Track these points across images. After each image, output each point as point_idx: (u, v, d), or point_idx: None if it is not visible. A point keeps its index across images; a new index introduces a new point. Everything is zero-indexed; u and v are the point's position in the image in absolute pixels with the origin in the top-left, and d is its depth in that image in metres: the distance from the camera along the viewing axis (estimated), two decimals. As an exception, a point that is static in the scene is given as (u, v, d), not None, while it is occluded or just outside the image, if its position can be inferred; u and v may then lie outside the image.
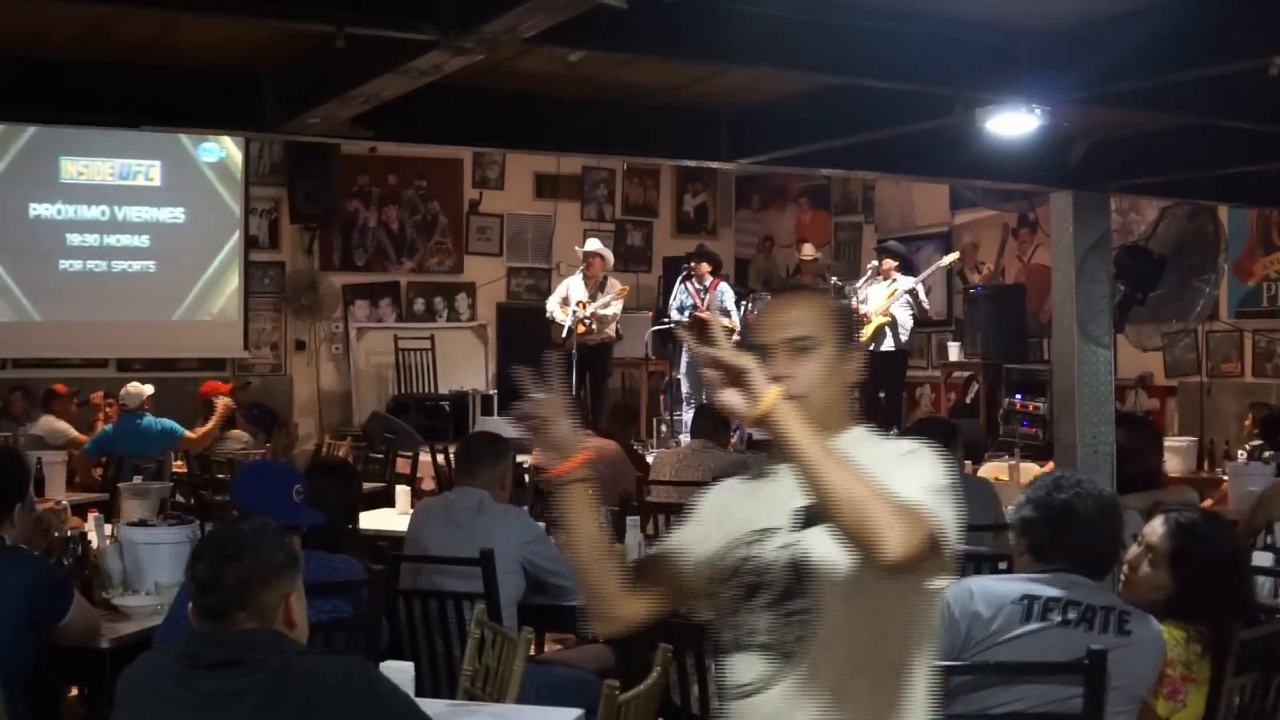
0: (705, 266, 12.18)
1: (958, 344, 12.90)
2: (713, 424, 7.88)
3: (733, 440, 9.62)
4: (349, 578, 4.17)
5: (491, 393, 13.58)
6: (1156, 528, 3.40)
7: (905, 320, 11.69)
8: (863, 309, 11.70)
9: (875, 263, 12.05)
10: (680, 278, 12.28)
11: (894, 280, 11.73)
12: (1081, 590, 3.13)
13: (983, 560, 4.92)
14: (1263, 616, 3.63)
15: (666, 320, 12.26)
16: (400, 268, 14.50)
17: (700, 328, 11.39)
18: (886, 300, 11.61)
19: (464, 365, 14.31)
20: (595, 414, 10.23)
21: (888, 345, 11.65)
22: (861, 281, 11.99)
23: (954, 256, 12.48)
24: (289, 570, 2.73)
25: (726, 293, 12.21)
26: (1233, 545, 3.50)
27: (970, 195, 13.13)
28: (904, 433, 7.49)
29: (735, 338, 11.11)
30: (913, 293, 11.61)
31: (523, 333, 13.44)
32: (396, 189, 14.42)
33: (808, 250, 13.72)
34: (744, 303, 12.63)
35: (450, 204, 14.68)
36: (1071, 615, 3.08)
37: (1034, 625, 3.08)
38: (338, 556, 4.25)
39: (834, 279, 13.09)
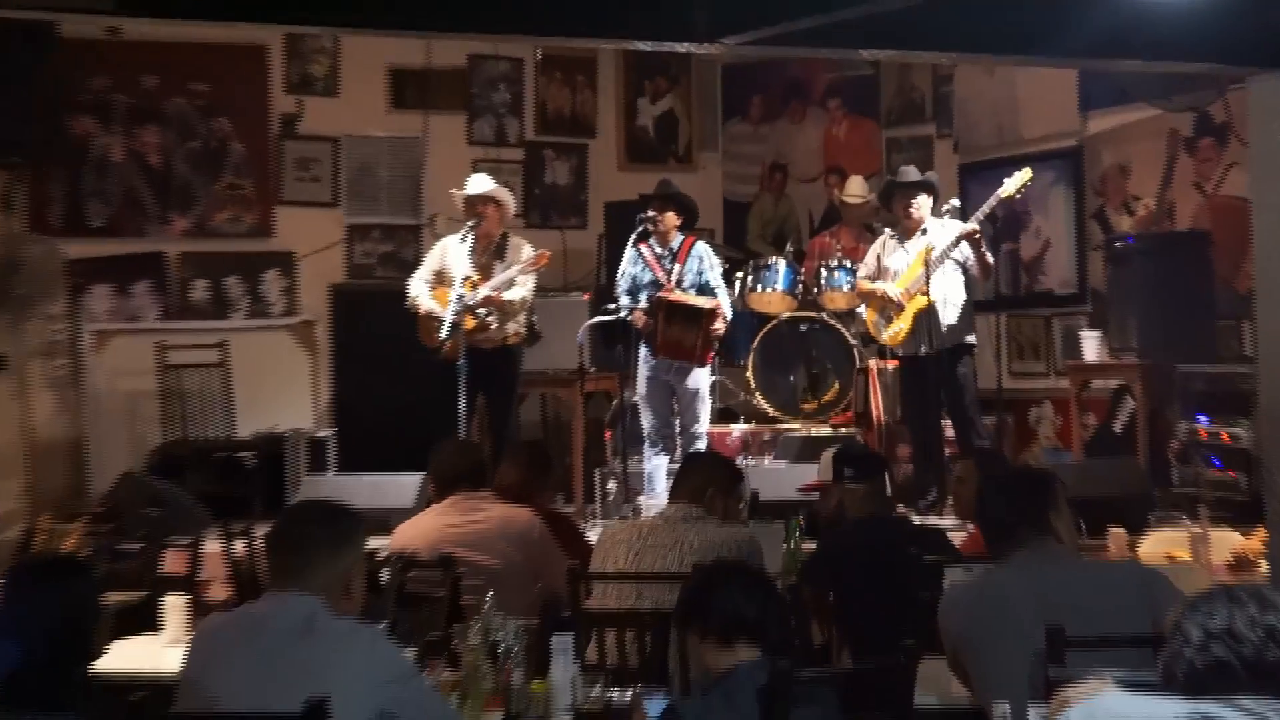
0: (672, 218, 12.14)
1: (1097, 334, 12.95)
2: (717, 478, 7.64)
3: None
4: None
5: (326, 434, 13.53)
6: None
7: (957, 296, 11.68)
8: (892, 295, 11.61)
9: (955, 202, 12.02)
10: (634, 237, 12.26)
11: (923, 233, 11.73)
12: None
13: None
14: None
15: (613, 307, 12.23)
16: (168, 228, 14.47)
17: (666, 314, 11.35)
18: (919, 267, 11.49)
19: (279, 389, 14.33)
20: (495, 460, 10.05)
21: (923, 348, 11.61)
22: (937, 228, 11.82)
23: (1025, 176, 11.98)
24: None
25: (707, 259, 12.18)
26: None
27: (1117, 88, 13.18)
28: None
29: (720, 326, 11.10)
30: (975, 242, 11.54)
31: (374, 333, 13.48)
32: (157, 97, 14.37)
33: (854, 187, 13.70)
34: (738, 274, 12.61)
35: (250, 121, 14.70)
36: None
37: None
38: (59, 716, 4.19)
39: (885, 231, 13.00)
